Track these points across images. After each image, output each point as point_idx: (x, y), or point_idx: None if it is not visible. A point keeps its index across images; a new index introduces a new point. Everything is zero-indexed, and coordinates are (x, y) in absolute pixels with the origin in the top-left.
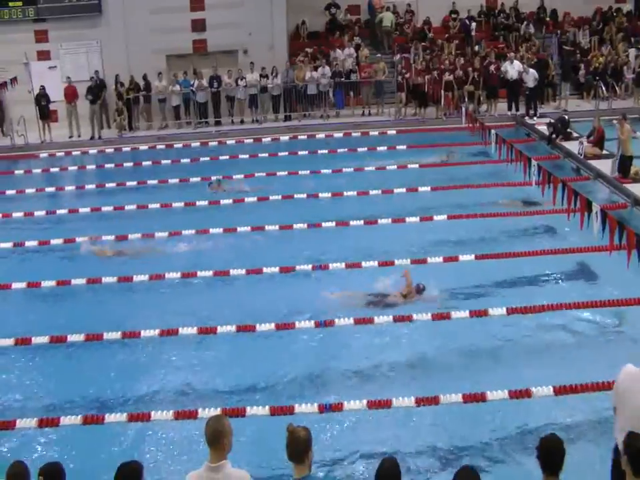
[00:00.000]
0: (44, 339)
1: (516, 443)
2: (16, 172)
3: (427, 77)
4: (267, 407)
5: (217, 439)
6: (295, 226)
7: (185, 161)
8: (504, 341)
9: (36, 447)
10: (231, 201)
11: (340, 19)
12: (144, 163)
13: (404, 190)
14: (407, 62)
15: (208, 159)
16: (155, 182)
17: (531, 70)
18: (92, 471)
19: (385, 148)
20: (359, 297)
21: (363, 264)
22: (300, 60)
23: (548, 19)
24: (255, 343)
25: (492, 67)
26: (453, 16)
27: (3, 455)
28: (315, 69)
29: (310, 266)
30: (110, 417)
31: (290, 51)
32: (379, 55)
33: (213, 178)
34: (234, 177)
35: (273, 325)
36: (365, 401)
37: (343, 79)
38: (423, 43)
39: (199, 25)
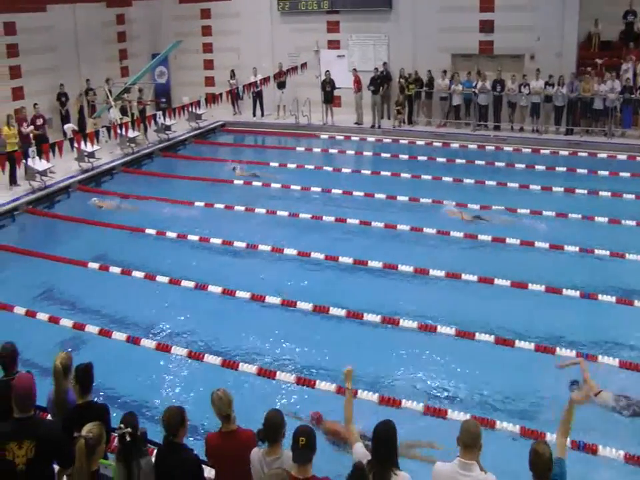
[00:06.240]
0: (308, 306)
1: None
2: (297, 149)
3: None
4: (518, 426)
5: (474, 441)
6: (565, 247)
7: (460, 161)
8: None
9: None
10: (502, 207)
11: (637, 29)
12: (419, 158)
13: None
14: None
15: (483, 162)
16: (428, 177)
17: None
18: None
19: None
20: None
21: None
22: (588, 71)
23: None
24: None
25: None
26: None
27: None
28: (604, 81)
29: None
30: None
31: (578, 60)
32: None
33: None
34: (509, 184)
35: None
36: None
37: (633, 96)
38: None
39: (487, 26)
